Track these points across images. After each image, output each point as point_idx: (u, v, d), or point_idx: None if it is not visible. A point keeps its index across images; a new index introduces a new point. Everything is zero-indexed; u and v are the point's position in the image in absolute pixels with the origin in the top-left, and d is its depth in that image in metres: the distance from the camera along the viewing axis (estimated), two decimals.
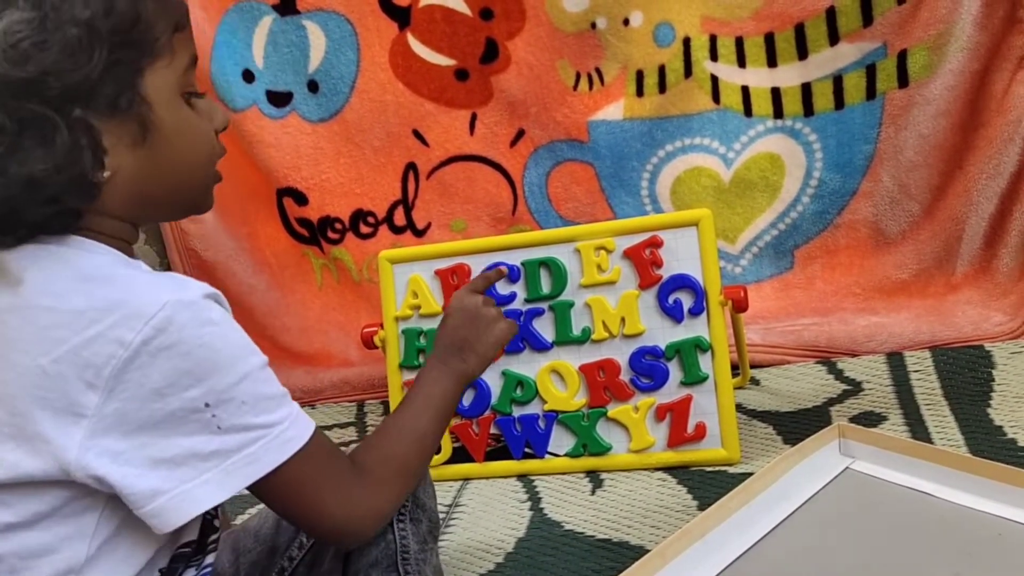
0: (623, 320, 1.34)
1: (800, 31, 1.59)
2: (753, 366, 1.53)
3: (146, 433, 0.68)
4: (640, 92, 1.65)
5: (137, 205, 0.74)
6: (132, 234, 0.77)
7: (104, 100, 0.69)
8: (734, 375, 1.33)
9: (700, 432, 1.30)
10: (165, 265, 1.95)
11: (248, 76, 1.73)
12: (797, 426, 1.35)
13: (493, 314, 1.00)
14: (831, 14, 1.57)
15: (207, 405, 0.69)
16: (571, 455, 1.35)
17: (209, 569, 0.81)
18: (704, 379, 1.30)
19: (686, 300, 1.32)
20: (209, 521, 0.81)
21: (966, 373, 1.42)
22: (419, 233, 1.77)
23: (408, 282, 1.42)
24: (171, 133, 0.74)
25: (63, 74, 0.67)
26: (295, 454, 0.72)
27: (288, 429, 0.73)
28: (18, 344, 0.67)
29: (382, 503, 0.82)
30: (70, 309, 0.67)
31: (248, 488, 0.72)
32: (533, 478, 1.35)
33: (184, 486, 0.68)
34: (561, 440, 1.36)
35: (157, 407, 0.67)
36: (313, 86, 1.72)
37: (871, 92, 1.60)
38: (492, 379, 1.38)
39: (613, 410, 1.34)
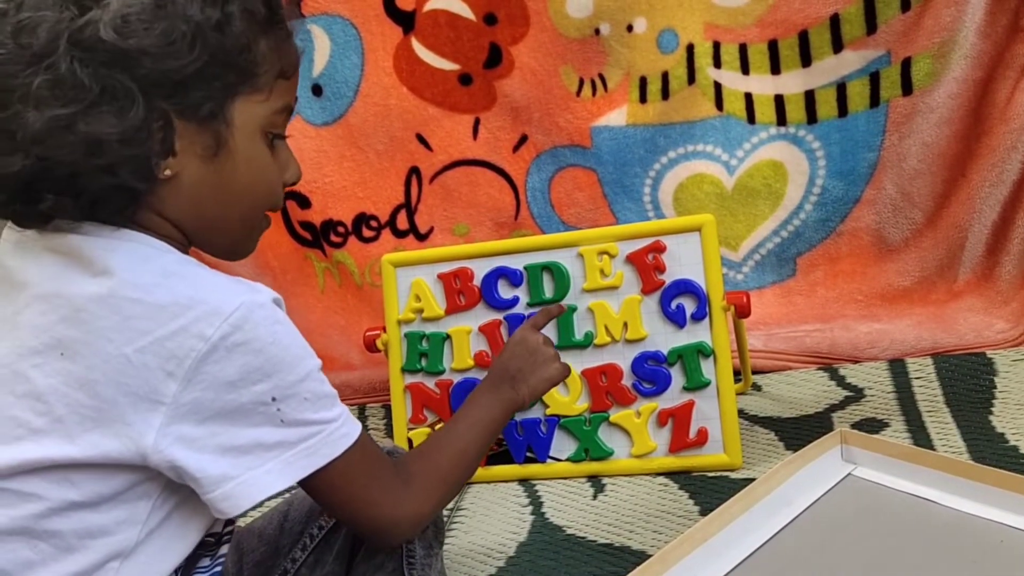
0: (625, 325, 1.34)
1: (804, 38, 1.59)
2: (755, 372, 1.53)
3: (218, 422, 0.72)
4: (643, 98, 1.65)
5: (190, 216, 0.77)
6: (184, 246, 0.79)
7: (189, 102, 0.73)
8: (736, 381, 1.33)
9: (702, 437, 1.30)
10: None
11: None
12: (799, 432, 1.35)
13: (551, 354, 1.09)
14: (835, 22, 1.57)
15: (273, 399, 0.73)
16: (573, 460, 1.35)
17: (223, 559, 0.83)
18: (706, 384, 1.30)
19: (689, 305, 1.32)
20: None
21: (968, 380, 1.42)
22: (422, 237, 1.77)
23: (411, 285, 1.42)
24: (241, 161, 0.78)
25: (158, 59, 0.70)
26: (348, 449, 0.78)
27: (342, 426, 0.78)
28: (105, 333, 0.70)
29: (424, 508, 0.86)
30: (154, 302, 0.71)
31: (300, 483, 0.77)
32: (535, 482, 1.35)
33: (250, 473, 0.73)
34: (563, 444, 1.36)
35: (229, 398, 0.72)
36: (317, 90, 1.72)
37: (875, 100, 1.60)
38: None
39: (615, 415, 1.34)
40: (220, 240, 0.82)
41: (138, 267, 0.73)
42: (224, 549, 0.83)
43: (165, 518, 0.75)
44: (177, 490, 0.75)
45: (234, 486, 0.73)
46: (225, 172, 0.77)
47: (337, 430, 0.77)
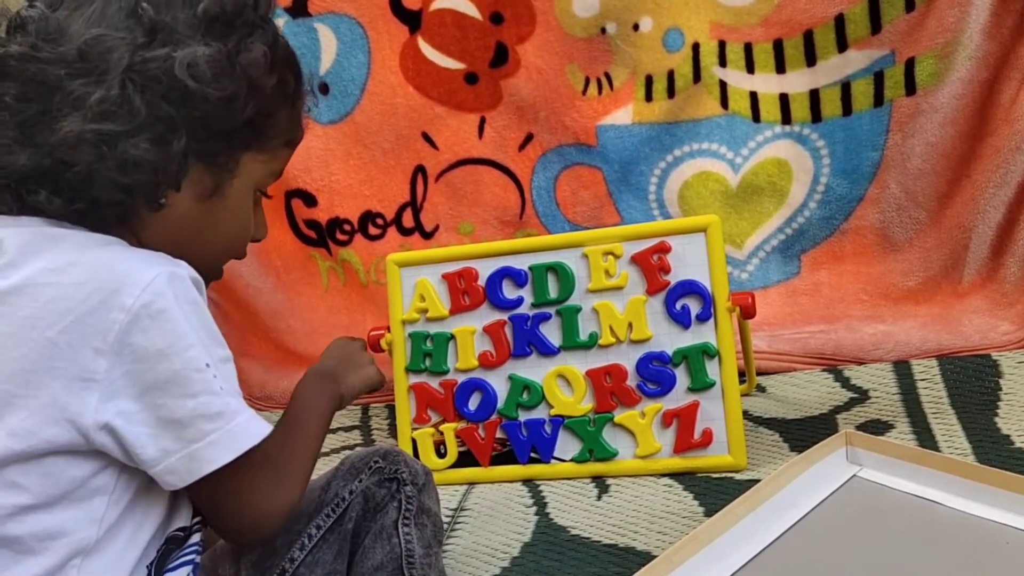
0: (630, 325, 1.34)
1: (809, 38, 1.59)
2: (759, 373, 1.53)
3: (155, 393, 0.72)
4: (649, 97, 1.65)
5: (165, 244, 0.79)
6: None
7: (213, 148, 0.78)
8: (740, 382, 1.33)
9: (707, 438, 1.30)
10: None
11: None
12: (803, 433, 1.35)
13: (368, 359, 1.09)
14: (840, 21, 1.57)
15: (208, 365, 0.73)
16: (577, 460, 1.35)
17: (195, 547, 0.83)
18: (711, 385, 1.30)
19: (694, 306, 1.32)
20: None
21: (973, 382, 1.42)
22: (427, 235, 1.77)
23: (415, 285, 1.42)
24: (229, 208, 0.83)
25: (215, 107, 0.76)
26: (264, 439, 0.76)
27: (255, 417, 0.77)
28: (28, 321, 0.71)
29: (295, 498, 0.85)
30: (71, 282, 0.71)
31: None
32: (539, 483, 1.35)
33: (192, 446, 0.72)
34: (567, 445, 1.36)
35: (163, 367, 0.71)
36: (324, 88, 1.72)
37: (879, 99, 1.60)
38: (498, 383, 1.38)
39: (619, 415, 1.34)
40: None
41: (53, 251, 0.73)
42: (196, 538, 0.83)
43: (123, 513, 0.75)
44: (132, 484, 0.75)
45: (176, 460, 0.72)
46: (211, 214, 0.82)
47: (254, 417, 0.76)
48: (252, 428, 0.75)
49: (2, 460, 0.70)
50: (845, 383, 1.49)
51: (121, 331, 0.70)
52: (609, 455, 1.34)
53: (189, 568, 0.81)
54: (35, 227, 0.75)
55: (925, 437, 1.29)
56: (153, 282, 0.71)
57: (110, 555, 0.74)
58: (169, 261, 0.75)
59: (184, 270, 0.75)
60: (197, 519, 0.83)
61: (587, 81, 1.66)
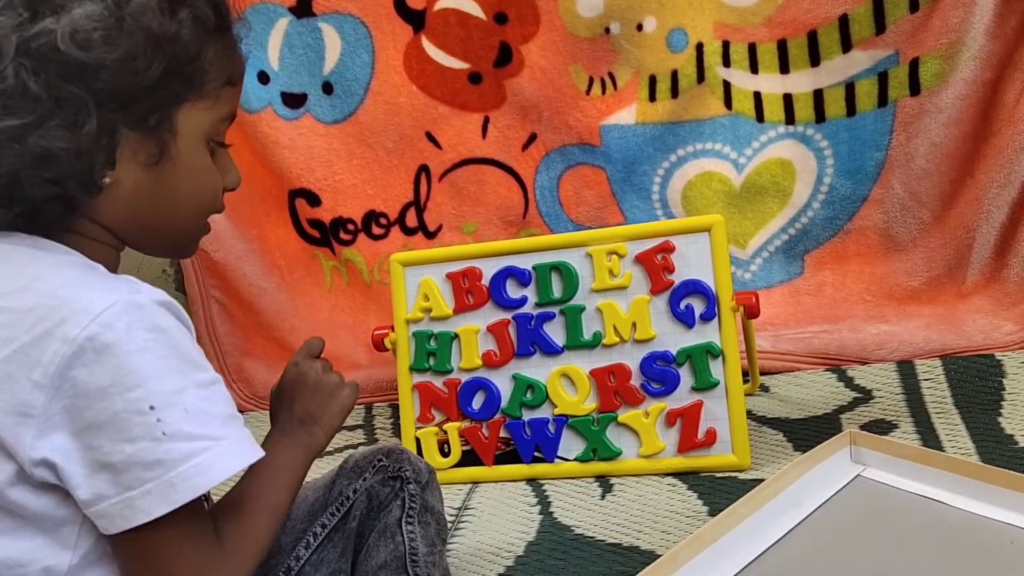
0: (634, 325, 1.34)
1: (813, 38, 1.59)
2: (762, 373, 1.53)
3: (91, 434, 0.66)
4: (653, 97, 1.65)
5: (127, 222, 0.76)
6: (116, 249, 0.78)
7: (137, 112, 0.72)
8: (743, 382, 1.33)
9: (710, 438, 1.30)
10: (176, 267, 1.96)
11: (263, 78, 1.74)
12: (807, 433, 1.35)
13: (335, 381, 0.93)
14: (844, 21, 1.57)
15: (152, 408, 0.67)
16: (581, 459, 1.35)
17: None
18: (715, 385, 1.30)
19: (697, 306, 1.32)
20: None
21: (977, 382, 1.42)
22: (430, 235, 1.77)
23: (419, 285, 1.43)
24: (183, 168, 0.76)
25: (117, 74, 0.69)
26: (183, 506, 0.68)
27: (200, 468, 0.69)
28: None
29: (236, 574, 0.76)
30: (20, 307, 0.67)
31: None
32: (542, 482, 1.35)
33: (127, 494, 0.67)
34: (571, 444, 1.36)
35: (101, 407, 0.66)
36: (328, 88, 1.72)
37: (883, 99, 1.60)
38: (502, 383, 1.39)
39: (623, 415, 1.34)
40: (158, 243, 0.80)
41: (10, 273, 0.70)
42: None
43: (99, 539, 0.71)
44: None
45: (108, 506, 0.67)
46: (166, 179, 0.76)
47: (203, 466, 0.68)
48: (196, 479, 0.68)
49: None
50: (849, 383, 1.49)
51: (62, 364, 0.65)
52: (613, 454, 1.34)
53: None
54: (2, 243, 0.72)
55: (929, 437, 1.29)
56: (104, 312, 0.66)
57: None
58: (131, 287, 0.70)
59: (145, 296, 0.69)
60: None
61: (591, 81, 1.66)
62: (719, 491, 1.24)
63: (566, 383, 1.37)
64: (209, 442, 0.69)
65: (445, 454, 1.40)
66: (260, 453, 0.73)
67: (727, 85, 1.64)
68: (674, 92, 1.64)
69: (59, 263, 0.72)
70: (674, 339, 1.33)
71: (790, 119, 1.64)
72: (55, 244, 0.73)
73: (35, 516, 0.69)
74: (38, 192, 0.70)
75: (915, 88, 1.57)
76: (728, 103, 1.64)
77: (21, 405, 0.66)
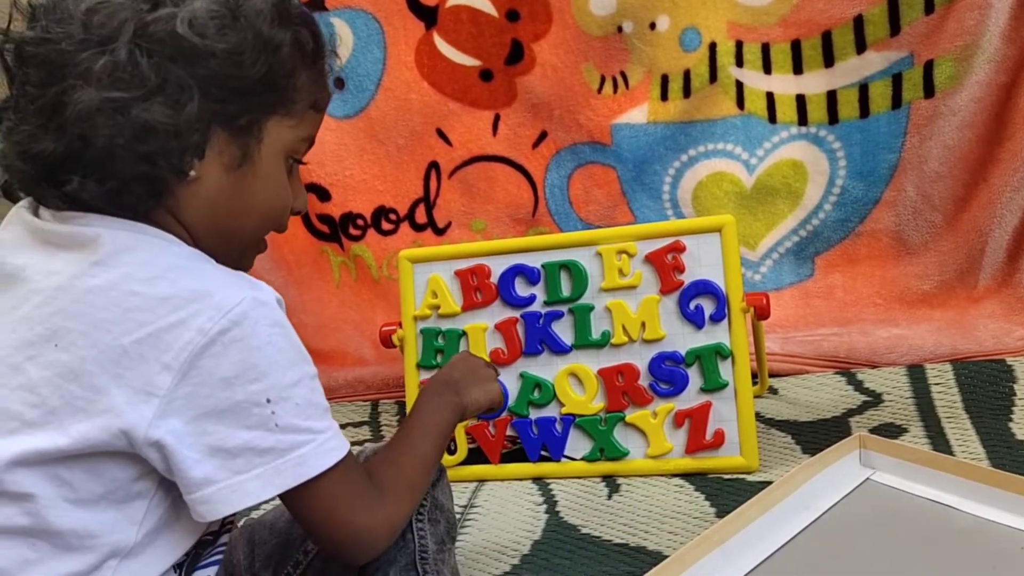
0: (643, 325, 1.33)
1: (827, 39, 1.58)
2: (771, 375, 1.52)
3: (210, 420, 0.71)
4: (664, 96, 1.65)
5: (204, 221, 0.78)
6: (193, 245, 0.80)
7: (232, 110, 0.76)
8: (753, 383, 1.32)
9: (719, 439, 1.29)
10: None
11: None
12: (816, 436, 1.35)
13: (492, 374, 1.05)
14: (858, 22, 1.56)
15: (268, 401, 0.72)
16: (588, 459, 1.35)
17: (223, 547, 0.83)
18: (724, 386, 1.30)
19: (707, 306, 1.31)
20: None
21: (987, 387, 1.41)
22: (440, 231, 1.77)
23: (428, 282, 1.42)
24: (261, 177, 0.80)
25: (223, 64, 0.74)
26: (337, 463, 0.76)
27: (332, 439, 0.76)
28: (103, 324, 0.70)
29: (398, 518, 0.84)
30: (155, 295, 0.71)
31: (281, 496, 0.75)
32: (549, 481, 1.35)
33: (237, 478, 0.72)
34: (578, 444, 1.36)
35: (224, 396, 0.71)
36: (339, 83, 1.72)
37: (896, 101, 1.59)
38: (510, 381, 1.38)
39: (631, 415, 1.33)
40: (224, 250, 0.82)
41: (143, 260, 0.73)
42: (224, 539, 0.83)
43: (162, 518, 0.75)
44: (173, 490, 0.74)
45: (215, 490, 0.72)
46: (244, 185, 0.79)
47: (327, 442, 0.75)
48: (297, 469, 0.74)
49: (52, 456, 0.70)
50: (858, 386, 1.48)
51: (195, 351, 0.70)
52: (620, 454, 1.33)
53: (216, 568, 0.81)
54: (127, 230, 0.75)
55: (939, 441, 1.28)
56: (236, 308, 0.71)
57: (146, 559, 0.75)
58: (253, 285, 0.75)
59: (267, 294, 0.75)
60: (229, 521, 0.83)
61: (602, 79, 1.65)
62: (727, 492, 1.24)
63: (574, 382, 1.36)
64: (311, 435, 0.75)
65: (451, 451, 1.40)
66: (347, 448, 0.78)
67: (740, 85, 1.63)
68: (686, 91, 1.64)
69: (185, 255, 0.76)
70: (683, 339, 1.32)
71: (803, 120, 1.64)
72: (167, 233, 0.76)
73: (113, 486, 0.72)
74: (129, 168, 0.73)
75: (929, 90, 1.57)
76: (740, 103, 1.64)
77: (148, 385, 0.70)
